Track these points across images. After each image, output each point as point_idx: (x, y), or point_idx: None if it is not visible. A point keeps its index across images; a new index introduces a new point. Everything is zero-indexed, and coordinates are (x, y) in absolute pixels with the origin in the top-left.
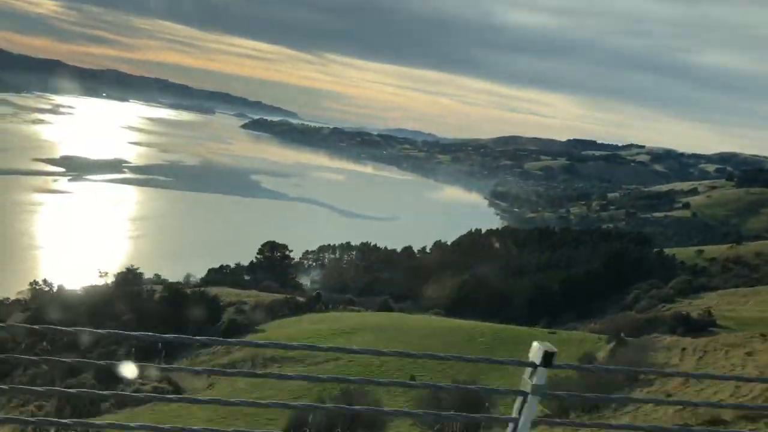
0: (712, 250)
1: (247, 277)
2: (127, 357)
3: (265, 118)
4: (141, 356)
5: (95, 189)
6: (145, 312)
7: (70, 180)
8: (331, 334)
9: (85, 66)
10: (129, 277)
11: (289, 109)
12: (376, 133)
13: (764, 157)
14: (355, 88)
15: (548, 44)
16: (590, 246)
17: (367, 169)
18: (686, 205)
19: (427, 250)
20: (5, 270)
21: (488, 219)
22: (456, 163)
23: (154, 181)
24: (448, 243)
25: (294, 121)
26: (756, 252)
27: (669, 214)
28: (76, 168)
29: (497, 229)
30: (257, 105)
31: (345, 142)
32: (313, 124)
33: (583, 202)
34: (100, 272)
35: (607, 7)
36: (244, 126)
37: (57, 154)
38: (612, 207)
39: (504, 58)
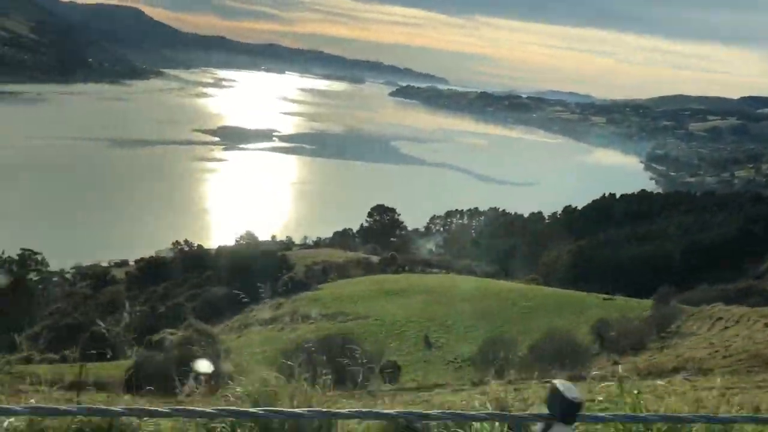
0: None
1: (357, 240)
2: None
3: (412, 84)
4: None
5: (246, 157)
6: (230, 268)
7: (224, 149)
8: (376, 294)
9: (247, 41)
10: (246, 240)
11: (439, 75)
12: (525, 96)
13: None
14: (506, 51)
15: None
16: (735, 210)
17: (513, 133)
18: None
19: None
20: (160, 229)
21: (641, 184)
22: (611, 125)
23: (300, 149)
24: (578, 208)
25: (442, 87)
26: None
27: None
28: (231, 138)
29: (633, 193)
30: (407, 72)
31: (492, 107)
32: (460, 89)
33: (751, 165)
34: (238, 235)
35: None
36: (392, 93)
37: (215, 125)
38: None
39: (669, 11)
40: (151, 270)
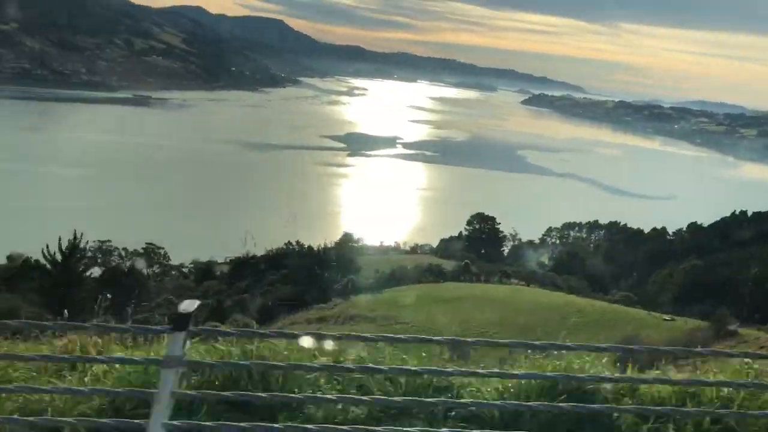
0: None
1: (458, 248)
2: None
3: (545, 93)
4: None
5: (369, 163)
6: (309, 268)
7: (349, 155)
8: (428, 301)
9: (380, 50)
10: (344, 241)
11: (575, 83)
12: (668, 105)
13: None
14: (649, 58)
15: None
16: None
17: (652, 144)
18: None
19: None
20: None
21: None
22: (763, 137)
23: (421, 155)
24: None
25: (577, 95)
26: None
27: None
28: (357, 144)
29: (766, 211)
30: (542, 80)
31: (631, 116)
32: (596, 98)
33: None
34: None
35: None
36: (524, 102)
37: (343, 132)
38: None
39: None
40: (241, 267)
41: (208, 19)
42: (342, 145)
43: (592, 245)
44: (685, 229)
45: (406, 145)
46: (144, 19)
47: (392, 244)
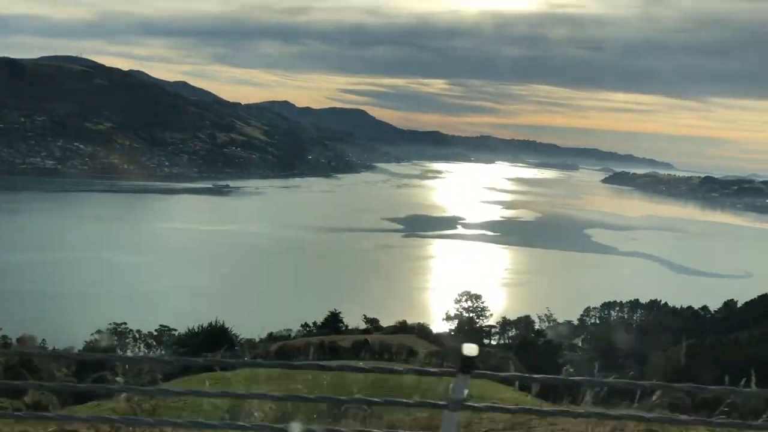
0: None
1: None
2: None
3: (626, 171)
4: None
5: (419, 244)
6: None
7: (403, 236)
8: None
9: (461, 134)
10: (330, 321)
11: (664, 160)
12: (760, 179)
13: None
14: (744, 133)
15: None
16: None
17: (739, 220)
18: None
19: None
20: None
21: None
22: None
23: (482, 236)
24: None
25: (663, 172)
26: None
27: None
28: (417, 226)
29: None
30: (627, 158)
31: (718, 192)
32: (682, 174)
33: None
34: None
35: None
36: (605, 180)
37: (404, 214)
38: None
39: None
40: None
41: (294, 112)
42: (400, 227)
43: (632, 324)
44: (719, 307)
45: (467, 226)
46: (230, 114)
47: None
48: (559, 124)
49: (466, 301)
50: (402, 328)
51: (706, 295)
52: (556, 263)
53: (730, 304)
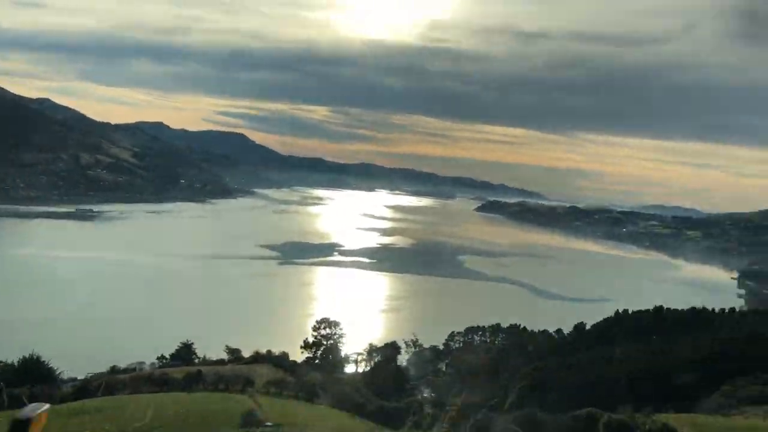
0: None
1: (308, 355)
2: None
3: (499, 200)
4: None
5: (295, 272)
6: None
7: (279, 263)
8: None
9: (342, 161)
10: (182, 353)
11: (534, 190)
12: (618, 210)
13: None
14: (607, 166)
15: None
16: (735, 331)
17: (598, 247)
18: None
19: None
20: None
21: (728, 302)
22: (707, 239)
23: (358, 263)
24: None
25: (532, 202)
26: None
27: None
28: (293, 253)
29: (647, 310)
30: (500, 188)
31: (581, 221)
32: (548, 204)
33: None
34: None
35: None
36: (479, 208)
37: (280, 241)
38: None
39: None
40: None
41: (168, 133)
42: (275, 254)
43: (491, 349)
44: (571, 330)
45: (344, 253)
46: (97, 134)
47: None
48: (437, 154)
49: (324, 328)
50: (258, 358)
51: (567, 318)
52: (429, 289)
53: (579, 327)
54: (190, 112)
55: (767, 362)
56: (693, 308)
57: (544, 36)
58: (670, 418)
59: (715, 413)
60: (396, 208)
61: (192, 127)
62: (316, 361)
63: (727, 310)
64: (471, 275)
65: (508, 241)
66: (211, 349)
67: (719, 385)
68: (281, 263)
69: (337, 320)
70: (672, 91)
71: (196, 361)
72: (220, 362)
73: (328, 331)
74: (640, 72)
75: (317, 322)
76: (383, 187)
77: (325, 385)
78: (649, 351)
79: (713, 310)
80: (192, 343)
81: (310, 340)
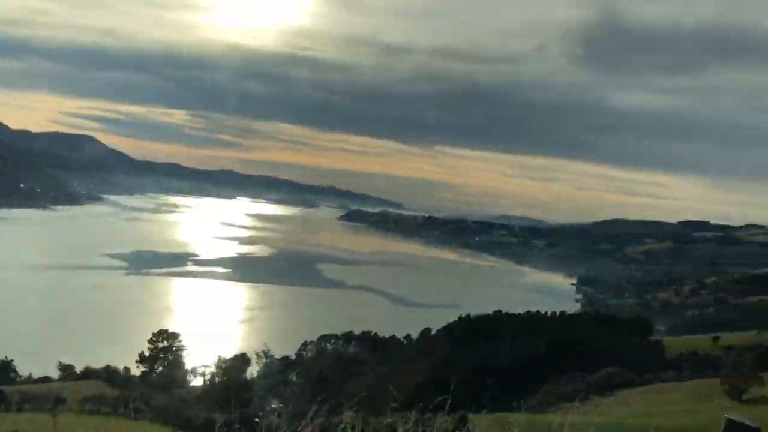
0: (732, 338)
1: (144, 369)
2: None
3: (361, 209)
4: None
5: (143, 283)
6: None
7: (126, 274)
8: None
9: (202, 167)
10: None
11: (395, 200)
12: (471, 220)
13: None
14: (465, 178)
15: (667, 125)
16: (558, 332)
17: (453, 256)
18: None
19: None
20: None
21: (565, 305)
22: (551, 248)
23: (212, 273)
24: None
25: (394, 212)
26: None
27: (765, 298)
28: (142, 263)
29: (488, 315)
30: (363, 197)
31: (438, 230)
32: (408, 214)
33: (673, 288)
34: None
35: (727, 84)
36: (341, 218)
37: (129, 250)
38: (704, 292)
39: (619, 141)
40: None
41: (7, 134)
42: (123, 264)
43: (344, 356)
44: (418, 335)
45: (199, 262)
46: None
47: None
48: (301, 162)
49: (162, 341)
50: (89, 373)
51: (420, 324)
52: (287, 298)
53: (425, 333)
54: (34, 111)
55: (586, 362)
56: (528, 312)
57: (407, 50)
58: (480, 418)
59: (534, 411)
60: (257, 216)
61: (36, 128)
62: (154, 375)
63: (558, 314)
64: (330, 284)
65: (368, 250)
66: (42, 365)
67: (543, 384)
68: (129, 274)
69: (176, 332)
70: (523, 108)
71: (18, 379)
72: (44, 380)
73: (166, 343)
74: (495, 89)
75: (154, 334)
76: (245, 195)
77: (152, 399)
78: (483, 353)
79: (546, 313)
80: (11, 361)
81: (147, 353)
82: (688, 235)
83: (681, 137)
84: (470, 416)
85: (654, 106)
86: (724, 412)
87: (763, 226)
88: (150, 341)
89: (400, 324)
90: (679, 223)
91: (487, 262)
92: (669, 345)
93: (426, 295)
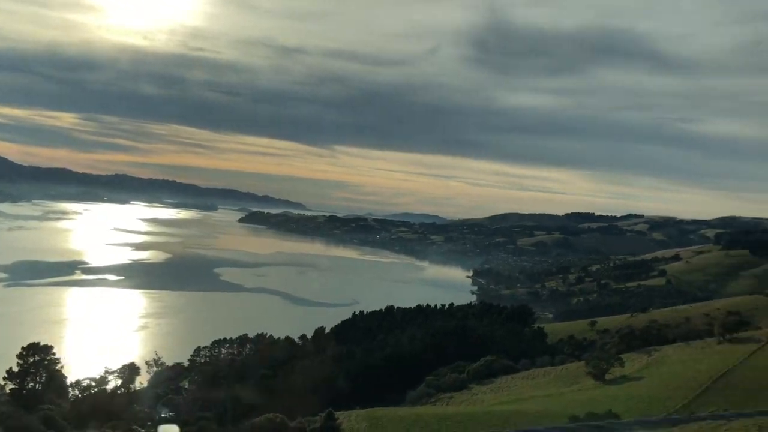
0: (609, 321)
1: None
2: None
3: (262, 211)
4: None
5: (25, 294)
6: None
7: (7, 286)
8: None
9: (93, 172)
10: None
11: (297, 200)
12: (373, 218)
13: (765, 219)
14: (365, 177)
15: (554, 123)
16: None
17: (354, 254)
18: (662, 273)
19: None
20: None
21: (461, 298)
22: (449, 243)
23: (103, 281)
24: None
25: (296, 212)
26: (650, 320)
27: (643, 283)
28: (26, 273)
29: (380, 310)
30: (264, 199)
31: (339, 229)
32: (310, 214)
33: (561, 276)
34: None
35: (607, 84)
36: (242, 220)
37: (11, 260)
38: (588, 279)
39: (510, 138)
40: None
41: None
42: (3, 275)
43: (237, 360)
44: (312, 334)
45: (89, 271)
46: None
47: None
48: (200, 165)
49: (32, 355)
50: None
51: (318, 323)
52: (182, 304)
53: (318, 331)
54: None
55: (470, 351)
56: (419, 305)
57: (303, 52)
58: (350, 414)
59: (415, 403)
60: (153, 221)
61: None
62: (24, 392)
63: (447, 306)
64: (227, 288)
65: (269, 252)
66: None
67: (427, 375)
68: (9, 285)
69: (49, 345)
70: (420, 109)
71: None
72: None
73: (37, 357)
74: (392, 90)
75: (23, 348)
76: (141, 200)
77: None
78: (371, 349)
79: (436, 306)
80: None
81: (16, 369)
82: (574, 226)
83: (566, 134)
84: (340, 413)
85: (541, 105)
86: (587, 393)
87: (642, 216)
88: (19, 356)
89: (298, 324)
90: (567, 215)
91: (387, 258)
92: (550, 331)
93: (326, 294)
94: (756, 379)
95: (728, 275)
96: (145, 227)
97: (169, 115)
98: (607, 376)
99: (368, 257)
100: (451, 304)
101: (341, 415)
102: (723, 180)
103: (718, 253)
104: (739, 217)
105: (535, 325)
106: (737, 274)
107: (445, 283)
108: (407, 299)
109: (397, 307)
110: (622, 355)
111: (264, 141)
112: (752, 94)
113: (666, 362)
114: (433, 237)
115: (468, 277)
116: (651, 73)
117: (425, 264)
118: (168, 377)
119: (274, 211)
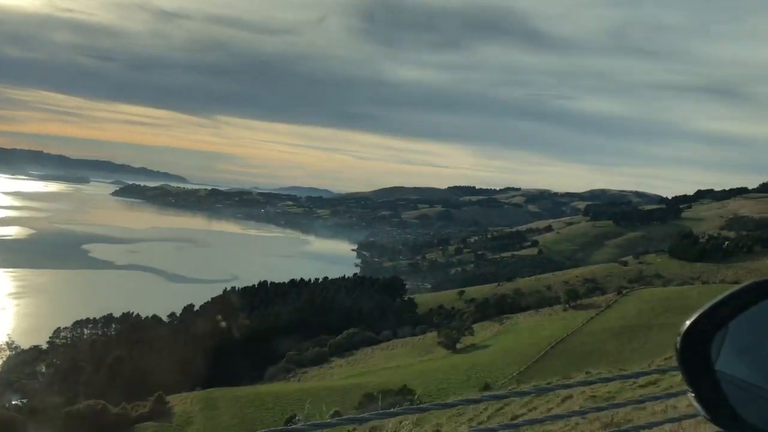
0: (476, 290)
1: None
2: None
3: (138, 183)
4: None
5: None
6: None
7: None
8: None
9: None
10: None
11: (177, 173)
12: (257, 192)
13: (630, 191)
14: (250, 149)
15: (438, 98)
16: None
17: (237, 228)
18: (535, 243)
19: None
20: None
21: (345, 270)
22: (335, 216)
23: None
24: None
25: (175, 185)
26: (515, 288)
27: (516, 253)
28: None
29: (253, 286)
30: (141, 171)
31: (222, 203)
32: (191, 187)
33: (440, 248)
34: None
35: (488, 60)
36: (115, 193)
37: None
38: (466, 250)
39: (396, 112)
40: None
41: None
42: None
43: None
44: (180, 313)
45: None
46: None
47: None
48: (70, 135)
49: None
50: None
51: (193, 300)
52: (45, 283)
53: (187, 309)
54: None
55: (336, 324)
56: (292, 280)
57: (183, 16)
58: (188, 396)
59: (274, 380)
60: (16, 194)
61: None
62: None
63: (320, 280)
64: (96, 265)
65: (144, 227)
66: None
67: (289, 351)
68: None
69: None
70: (306, 80)
71: None
72: None
73: None
74: (278, 60)
75: None
76: (2, 172)
77: None
78: (237, 326)
79: (310, 280)
80: None
81: None
82: (456, 199)
83: (450, 109)
84: (176, 396)
85: (426, 79)
86: (435, 363)
87: (519, 189)
88: None
89: (172, 302)
90: (449, 188)
91: (272, 233)
92: (422, 302)
93: (204, 270)
94: (588, 343)
95: (594, 245)
96: (8, 201)
97: (35, 81)
98: (458, 345)
99: (252, 232)
100: (325, 278)
101: (177, 398)
102: (594, 155)
103: (586, 224)
104: (608, 190)
105: (406, 296)
106: (602, 244)
107: (330, 256)
108: (289, 274)
109: (271, 282)
110: (477, 324)
111: (141, 110)
112: (620, 73)
113: (514, 330)
114: (319, 211)
115: (353, 250)
116: (530, 51)
117: (311, 238)
118: (23, 361)
119: (151, 184)
